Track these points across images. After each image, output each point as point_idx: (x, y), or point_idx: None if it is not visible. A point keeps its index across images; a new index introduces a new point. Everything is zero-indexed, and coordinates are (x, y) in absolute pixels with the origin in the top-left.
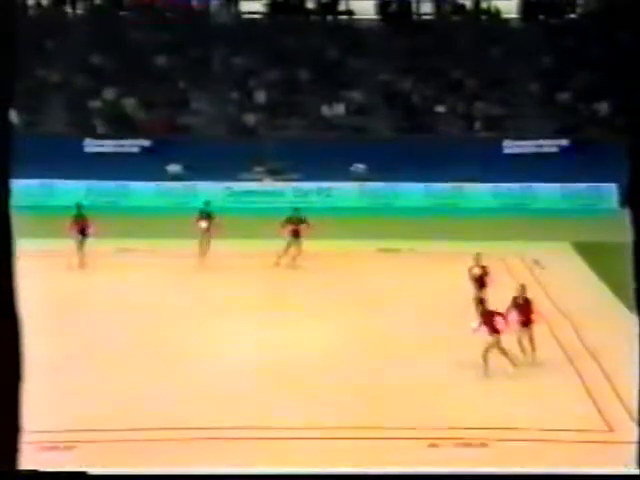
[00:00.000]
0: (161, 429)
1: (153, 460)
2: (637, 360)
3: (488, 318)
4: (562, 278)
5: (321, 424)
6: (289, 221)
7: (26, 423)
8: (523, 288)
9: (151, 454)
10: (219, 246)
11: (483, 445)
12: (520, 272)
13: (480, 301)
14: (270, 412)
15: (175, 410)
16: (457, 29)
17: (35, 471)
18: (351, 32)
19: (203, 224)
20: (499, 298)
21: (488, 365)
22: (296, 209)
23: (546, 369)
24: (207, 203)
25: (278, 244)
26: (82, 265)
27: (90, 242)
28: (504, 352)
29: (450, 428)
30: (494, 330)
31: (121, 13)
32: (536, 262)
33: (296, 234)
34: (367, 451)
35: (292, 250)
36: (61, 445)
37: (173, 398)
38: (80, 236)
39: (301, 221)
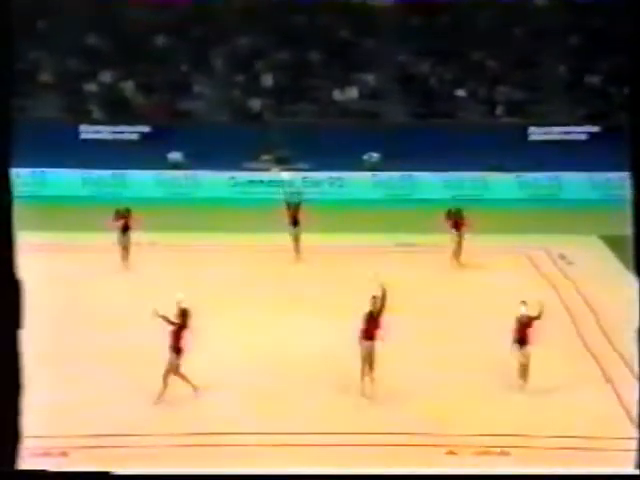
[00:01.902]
0: (160, 435)
1: (147, 466)
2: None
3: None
4: (592, 274)
5: (335, 429)
6: (449, 216)
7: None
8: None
9: (146, 461)
10: (215, 239)
11: (505, 453)
12: (546, 267)
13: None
14: (282, 414)
15: (186, 414)
16: (478, 7)
17: (57, 472)
18: (365, 11)
19: (288, 219)
20: (525, 297)
21: None
22: (455, 205)
23: (574, 373)
24: (293, 193)
25: (286, 237)
26: (125, 263)
27: (89, 237)
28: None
29: (469, 435)
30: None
31: None
32: (562, 257)
33: (458, 227)
34: (382, 457)
35: (455, 246)
36: (54, 451)
37: (180, 402)
38: (121, 232)
39: (461, 216)
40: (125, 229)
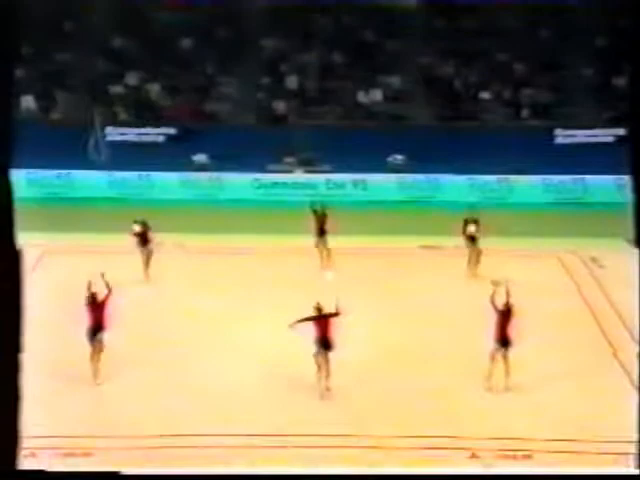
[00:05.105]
0: (180, 436)
1: (170, 467)
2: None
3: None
4: (624, 278)
5: (359, 432)
6: (466, 223)
7: (43, 429)
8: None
9: (169, 462)
10: (239, 241)
11: (528, 457)
12: (578, 271)
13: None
14: (310, 418)
15: (206, 415)
16: (503, 8)
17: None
18: (389, 12)
19: (314, 226)
20: (557, 301)
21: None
22: (472, 206)
23: (602, 378)
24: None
25: (310, 240)
26: (146, 273)
27: (114, 238)
28: None
29: (492, 438)
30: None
31: None
32: (594, 260)
33: (473, 239)
34: (403, 460)
35: (472, 256)
36: (78, 451)
37: (200, 404)
38: (141, 247)
39: (476, 221)
40: (145, 241)
